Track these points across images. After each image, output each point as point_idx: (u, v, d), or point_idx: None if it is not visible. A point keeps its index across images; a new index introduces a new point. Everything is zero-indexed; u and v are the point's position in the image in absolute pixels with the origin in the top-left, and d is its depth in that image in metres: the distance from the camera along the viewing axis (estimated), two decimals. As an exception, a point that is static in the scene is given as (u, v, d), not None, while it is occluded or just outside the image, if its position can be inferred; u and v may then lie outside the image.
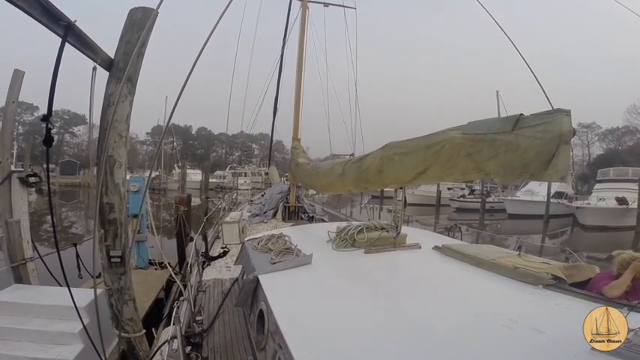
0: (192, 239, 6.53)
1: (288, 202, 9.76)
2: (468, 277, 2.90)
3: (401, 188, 3.61)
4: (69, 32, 2.21)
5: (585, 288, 2.55)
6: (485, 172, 2.31)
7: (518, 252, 3.38)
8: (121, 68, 2.83)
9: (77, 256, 5.50)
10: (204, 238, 6.77)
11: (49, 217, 21.33)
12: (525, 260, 2.96)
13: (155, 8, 2.32)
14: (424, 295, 2.53)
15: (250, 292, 2.96)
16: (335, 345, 1.84)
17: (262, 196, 11.99)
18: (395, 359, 1.71)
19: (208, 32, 2.09)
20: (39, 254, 5.00)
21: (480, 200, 30.90)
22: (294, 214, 9.65)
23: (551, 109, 1.95)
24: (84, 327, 2.96)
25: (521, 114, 2.04)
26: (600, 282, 2.54)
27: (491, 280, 2.75)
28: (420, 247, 3.66)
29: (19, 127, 60.36)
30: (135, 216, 6.89)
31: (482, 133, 2.25)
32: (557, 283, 2.50)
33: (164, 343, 2.74)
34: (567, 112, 1.84)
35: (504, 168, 2.14)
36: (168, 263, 5.80)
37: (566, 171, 1.84)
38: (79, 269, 5.44)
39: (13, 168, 4.89)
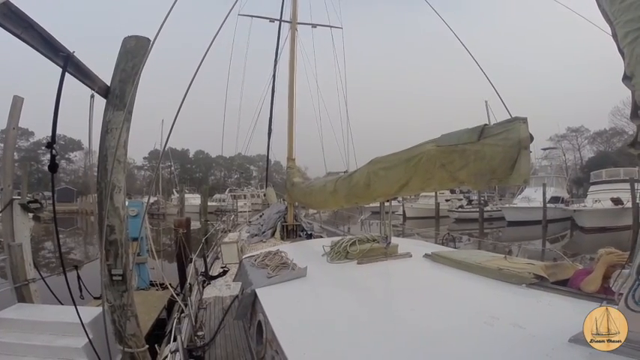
0: (192, 260, 6.69)
1: (285, 222, 9.88)
2: (455, 281, 3.01)
3: (388, 201, 3.75)
4: (68, 62, 2.37)
5: (567, 285, 2.65)
6: (459, 181, 2.47)
7: (504, 255, 3.50)
8: (118, 95, 3.01)
9: (78, 277, 5.65)
10: (204, 258, 6.88)
11: (46, 244, 21.29)
12: (511, 262, 3.07)
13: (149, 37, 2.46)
14: (413, 300, 2.64)
15: (249, 306, 3.07)
16: (328, 347, 1.94)
17: (260, 216, 12.10)
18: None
19: (201, 54, 2.26)
20: (41, 275, 5.15)
21: (478, 210, 30.98)
22: (293, 232, 9.71)
23: (510, 117, 2.14)
24: (89, 341, 3.06)
25: (486, 124, 2.22)
26: (578, 278, 2.64)
27: (477, 282, 2.85)
28: (410, 256, 3.77)
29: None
30: (134, 239, 7.01)
31: (453, 144, 2.42)
32: (539, 282, 2.59)
33: (166, 356, 2.84)
34: (524, 120, 2.01)
35: (475, 176, 2.29)
36: (169, 284, 5.88)
37: (529, 174, 2.00)
38: (81, 290, 5.58)
39: None
